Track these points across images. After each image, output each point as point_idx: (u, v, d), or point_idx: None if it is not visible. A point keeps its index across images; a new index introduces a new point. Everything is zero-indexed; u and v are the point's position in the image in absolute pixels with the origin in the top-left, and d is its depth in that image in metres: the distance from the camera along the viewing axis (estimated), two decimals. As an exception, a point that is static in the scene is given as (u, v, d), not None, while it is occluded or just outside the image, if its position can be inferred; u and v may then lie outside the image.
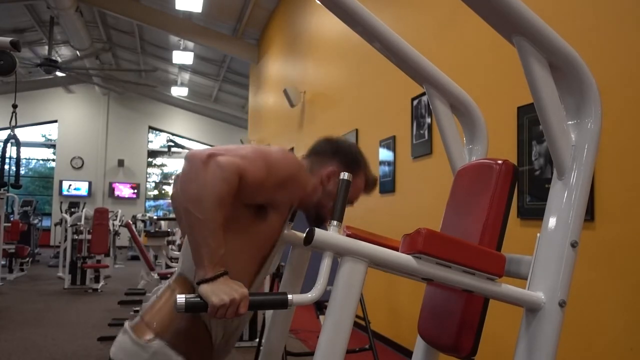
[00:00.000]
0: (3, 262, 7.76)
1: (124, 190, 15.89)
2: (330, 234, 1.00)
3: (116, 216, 8.68)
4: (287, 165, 1.20)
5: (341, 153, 1.35)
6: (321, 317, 2.85)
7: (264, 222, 1.20)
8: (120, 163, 15.91)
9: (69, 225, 7.53)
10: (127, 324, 1.20)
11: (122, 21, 10.62)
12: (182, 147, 13.41)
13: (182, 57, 11.34)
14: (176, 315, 1.12)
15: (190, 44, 10.97)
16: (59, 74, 10.04)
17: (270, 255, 1.26)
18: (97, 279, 7.23)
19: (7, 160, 4.74)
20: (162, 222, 10.62)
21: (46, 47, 10.36)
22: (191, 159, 1.07)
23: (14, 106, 4.48)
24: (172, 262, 6.74)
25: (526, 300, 1.08)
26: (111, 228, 7.92)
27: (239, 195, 1.10)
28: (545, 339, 1.06)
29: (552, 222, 1.14)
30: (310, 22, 7.14)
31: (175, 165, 17.44)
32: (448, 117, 1.45)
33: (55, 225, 11.29)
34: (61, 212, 10.66)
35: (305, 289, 1.12)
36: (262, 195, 1.17)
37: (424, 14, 3.99)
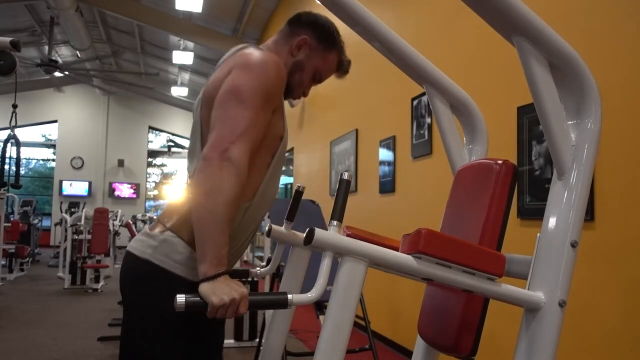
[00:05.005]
0: (3, 262, 7.76)
1: (124, 190, 15.89)
2: (330, 234, 1.00)
3: (116, 216, 8.68)
4: (275, 78, 1.19)
5: (316, 25, 1.32)
6: (321, 317, 2.85)
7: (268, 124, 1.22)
8: (120, 163, 15.91)
9: (69, 225, 7.53)
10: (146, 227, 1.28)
11: (122, 21, 10.62)
12: (182, 147, 13.38)
13: (182, 57, 11.33)
14: (189, 215, 1.15)
15: (190, 44, 10.96)
16: (57, 74, 10.02)
17: (280, 148, 1.27)
18: (97, 279, 7.23)
19: (7, 160, 4.73)
20: (162, 222, 10.59)
21: (46, 47, 10.36)
22: (209, 159, 1.09)
23: (14, 106, 4.48)
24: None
25: (526, 300, 1.08)
26: (111, 228, 7.92)
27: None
28: (545, 339, 1.06)
29: (552, 222, 1.14)
30: (310, 22, 7.12)
31: (175, 165, 17.44)
32: (448, 117, 1.45)
33: (55, 225, 11.29)
34: (61, 212, 10.66)
35: (305, 289, 1.12)
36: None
37: (424, 13, 3.99)
